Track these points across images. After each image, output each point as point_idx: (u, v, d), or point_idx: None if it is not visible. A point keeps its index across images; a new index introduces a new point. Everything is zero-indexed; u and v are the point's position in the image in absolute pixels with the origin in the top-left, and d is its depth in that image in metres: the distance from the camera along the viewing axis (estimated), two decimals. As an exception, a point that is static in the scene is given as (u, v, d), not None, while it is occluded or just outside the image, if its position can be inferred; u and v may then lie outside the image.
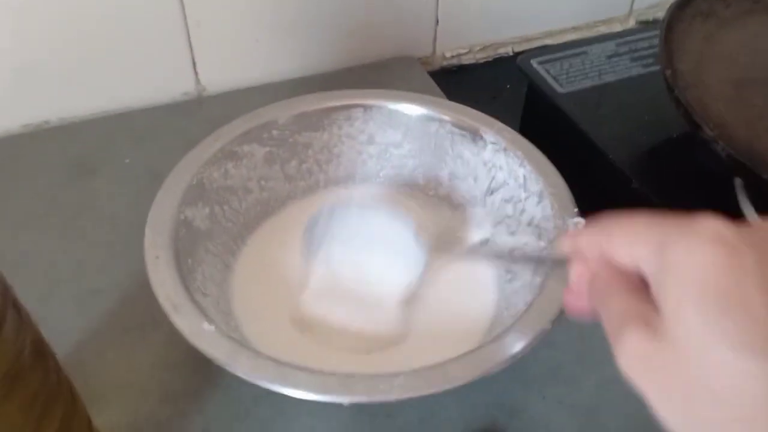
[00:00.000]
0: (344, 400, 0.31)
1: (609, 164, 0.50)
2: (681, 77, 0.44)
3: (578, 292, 0.28)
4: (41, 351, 0.28)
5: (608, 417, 0.39)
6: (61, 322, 0.43)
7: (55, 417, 0.28)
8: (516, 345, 0.33)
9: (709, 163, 0.45)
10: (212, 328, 0.34)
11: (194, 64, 0.59)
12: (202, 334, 0.34)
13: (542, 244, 0.40)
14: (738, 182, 0.46)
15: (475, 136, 0.47)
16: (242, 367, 0.32)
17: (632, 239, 0.25)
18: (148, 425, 0.39)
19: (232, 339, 0.33)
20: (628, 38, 0.61)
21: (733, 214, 0.45)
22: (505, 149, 0.45)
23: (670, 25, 0.47)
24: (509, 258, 0.43)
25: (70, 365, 0.31)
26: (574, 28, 0.72)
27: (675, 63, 0.45)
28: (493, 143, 0.46)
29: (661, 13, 0.74)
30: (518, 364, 0.33)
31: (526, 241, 0.42)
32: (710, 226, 0.22)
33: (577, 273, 0.28)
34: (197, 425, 0.39)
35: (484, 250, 0.44)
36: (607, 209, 0.53)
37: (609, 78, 0.57)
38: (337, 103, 0.49)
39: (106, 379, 0.40)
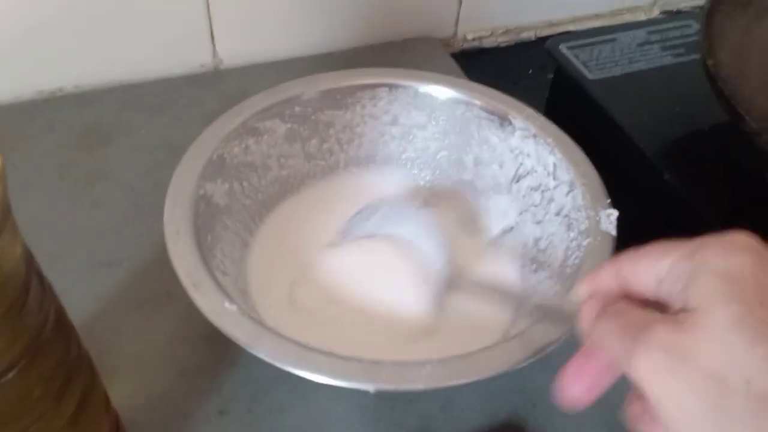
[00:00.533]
0: (369, 387, 0.30)
1: (640, 154, 0.49)
2: (722, 68, 0.43)
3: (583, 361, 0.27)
4: (63, 323, 0.27)
5: None
6: (74, 294, 0.42)
7: (76, 390, 0.28)
8: (546, 337, 0.32)
9: (743, 156, 0.44)
10: (234, 307, 0.33)
11: (212, 35, 0.58)
12: (223, 314, 0.33)
13: (571, 234, 0.39)
14: None
15: (503, 121, 0.45)
16: (265, 349, 0.31)
17: (660, 254, 0.25)
18: (162, 402, 0.38)
19: (254, 320, 0.32)
20: (659, 27, 0.60)
21: (765, 208, 0.44)
22: (534, 136, 0.44)
23: (710, 14, 0.45)
24: (522, 301, 0.38)
25: (83, 338, 0.30)
26: (598, 15, 0.72)
27: (716, 53, 0.44)
28: (522, 129, 0.45)
29: (685, 4, 0.73)
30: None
31: (553, 231, 0.41)
32: (741, 236, 0.23)
33: (586, 312, 0.26)
34: (213, 404, 0.38)
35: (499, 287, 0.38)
36: (635, 198, 0.52)
37: (639, 66, 0.56)
38: (363, 82, 0.47)
39: (120, 354, 0.40)
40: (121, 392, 0.36)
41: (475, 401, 0.39)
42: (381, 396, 0.38)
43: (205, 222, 0.39)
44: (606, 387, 0.26)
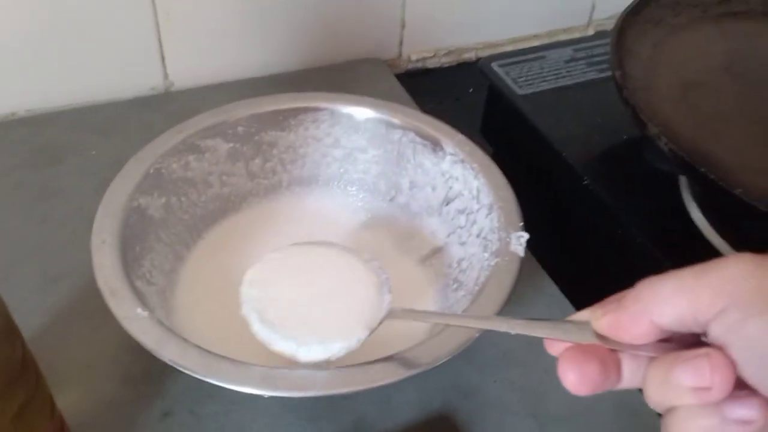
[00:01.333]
0: (265, 392, 0.31)
1: (563, 162, 0.52)
2: (630, 80, 0.46)
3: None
4: (9, 327, 0.28)
5: (556, 398, 0.41)
6: (24, 306, 0.43)
7: (17, 396, 0.29)
8: (441, 350, 0.34)
9: (657, 162, 0.47)
10: (145, 314, 0.34)
11: (163, 58, 0.60)
12: (134, 319, 0.34)
13: (486, 255, 0.40)
14: (683, 181, 0.48)
15: (435, 146, 0.47)
16: (169, 354, 0.32)
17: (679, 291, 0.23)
18: (108, 407, 0.39)
19: (163, 326, 0.34)
20: (585, 45, 0.63)
21: (679, 211, 0.47)
22: (462, 161, 0.46)
23: (622, 30, 0.48)
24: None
25: (33, 348, 0.31)
26: (536, 36, 0.74)
27: (625, 66, 0.46)
28: (452, 154, 0.46)
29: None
30: (472, 350, 0.34)
31: (473, 252, 0.43)
32: (740, 255, 0.22)
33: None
34: (158, 408, 0.39)
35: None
36: (560, 203, 0.53)
37: (566, 82, 0.59)
38: (304, 105, 0.49)
39: (68, 362, 0.41)
40: (69, 399, 0.37)
41: (411, 397, 0.40)
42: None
43: (135, 232, 0.40)
44: (606, 386, 0.25)
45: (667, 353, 0.23)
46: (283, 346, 0.33)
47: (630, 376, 0.25)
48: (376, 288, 0.36)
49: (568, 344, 0.25)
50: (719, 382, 0.21)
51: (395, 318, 0.35)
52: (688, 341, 0.23)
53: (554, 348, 0.26)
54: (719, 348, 0.22)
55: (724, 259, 0.22)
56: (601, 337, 0.24)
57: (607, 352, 0.25)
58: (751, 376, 0.21)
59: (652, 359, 0.23)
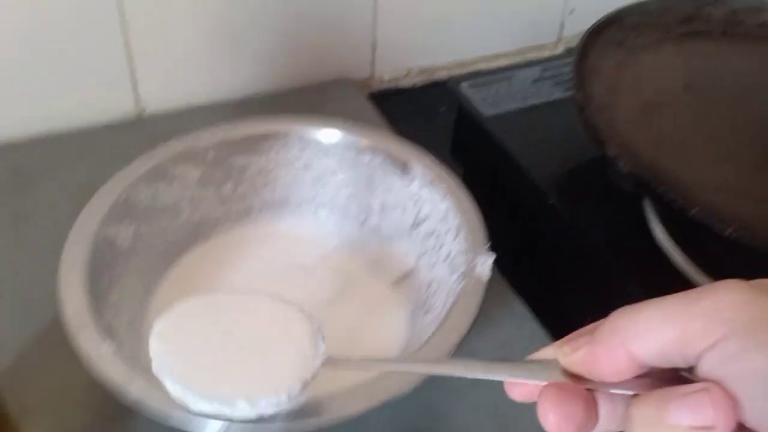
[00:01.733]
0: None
1: (528, 181, 0.53)
2: (592, 100, 0.47)
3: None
4: None
5: (525, 420, 0.40)
6: None
7: None
8: (384, 391, 0.35)
9: (619, 182, 0.47)
10: (110, 350, 0.34)
11: (135, 84, 0.60)
12: (100, 357, 0.34)
13: (453, 277, 0.41)
14: (647, 202, 0.48)
15: (404, 168, 0.48)
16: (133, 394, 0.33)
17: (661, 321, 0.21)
18: None
19: (127, 364, 0.34)
20: (553, 64, 0.64)
21: (643, 230, 0.47)
22: (430, 183, 0.46)
23: (585, 51, 0.49)
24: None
25: (5, 376, 0.31)
26: (506, 54, 0.75)
27: (587, 87, 0.48)
28: (420, 177, 0.47)
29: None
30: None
31: (441, 274, 0.43)
32: (731, 281, 0.21)
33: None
34: None
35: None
36: (524, 223, 0.54)
37: (533, 101, 0.60)
38: (274, 129, 0.50)
39: (40, 393, 0.41)
40: (41, 428, 0.37)
41: (383, 418, 0.41)
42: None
43: (104, 262, 0.41)
44: (589, 428, 0.23)
45: (651, 390, 0.21)
46: (203, 406, 0.29)
47: (606, 419, 0.23)
48: (308, 336, 0.31)
49: (531, 387, 0.23)
50: (723, 419, 0.19)
51: (333, 367, 0.31)
52: (666, 377, 0.21)
53: (516, 391, 0.24)
54: (714, 383, 0.20)
55: (714, 286, 0.20)
56: (572, 376, 0.22)
57: (588, 391, 0.22)
58: (753, 415, 0.19)
59: (632, 398, 0.21)
